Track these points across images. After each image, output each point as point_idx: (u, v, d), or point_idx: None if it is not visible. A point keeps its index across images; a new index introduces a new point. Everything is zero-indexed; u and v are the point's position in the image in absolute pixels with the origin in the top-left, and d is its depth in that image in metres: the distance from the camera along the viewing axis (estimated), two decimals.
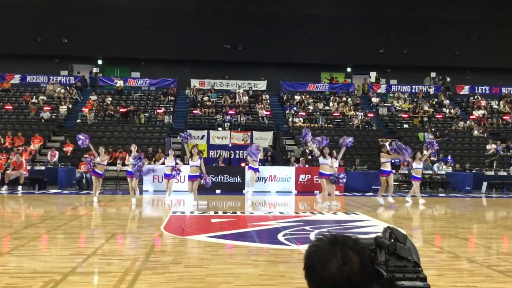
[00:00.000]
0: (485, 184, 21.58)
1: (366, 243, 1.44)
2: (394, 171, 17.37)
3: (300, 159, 21.97)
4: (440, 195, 20.15)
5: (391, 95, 31.78)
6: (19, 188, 18.58)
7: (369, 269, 1.38)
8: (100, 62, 34.01)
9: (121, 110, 27.34)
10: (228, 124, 26.38)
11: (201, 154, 16.15)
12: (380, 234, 1.48)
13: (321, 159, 14.95)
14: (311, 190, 20.12)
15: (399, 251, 1.38)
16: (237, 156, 24.48)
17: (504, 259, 7.75)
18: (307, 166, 21.60)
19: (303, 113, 28.25)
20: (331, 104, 29.93)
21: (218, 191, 19.63)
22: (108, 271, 6.60)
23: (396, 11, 33.05)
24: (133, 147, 15.38)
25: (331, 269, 1.36)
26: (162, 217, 11.82)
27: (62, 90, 29.60)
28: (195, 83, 31.30)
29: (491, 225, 12.16)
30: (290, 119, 27.86)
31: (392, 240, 1.40)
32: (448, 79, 33.52)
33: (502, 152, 25.08)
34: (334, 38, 32.92)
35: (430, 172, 22.08)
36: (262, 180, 20.12)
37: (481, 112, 30.12)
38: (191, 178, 14.64)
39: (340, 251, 1.39)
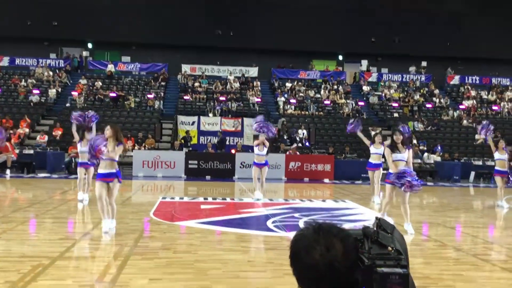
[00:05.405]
0: (473, 173, 21.81)
1: (354, 233, 1.46)
2: None
3: (292, 147, 22.04)
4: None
5: (382, 83, 31.84)
6: (8, 171, 18.45)
7: (352, 257, 1.39)
8: (90, 45, 33.68)
9: (111, 94, 27.17)
10: (219, 110, 26.34)
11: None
12: (369, 225, 1.50)
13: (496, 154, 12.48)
14: (301, 177, 20.24)
15: (381, 239, 1.40)
16: (227, 143, 24.48)
17: (490, 248, 7.87)
18: (297, 153, 21.68)
19: (294, 101, 28.28)
20: (322, 92, 29.95)
21: (208, 177, 19.69)
22: (97, 256, 6.62)
23: (389, 0, 32.98)
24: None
25: (315, 256, 1.38)
26: (152, 202, 11.82)
27: (52, 73, 29.34)
28: (186, 68, 31.17)
29: (478, 214, 12.29)
30: (281, 106, 27.88)
31: (375, 229, 1.43)
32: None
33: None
34: (326, 26, 32.81)
35: (419, 161, 22.25)
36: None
37: (470, 102, 30.31)
38: None
39: (324, 238, 1.40)
